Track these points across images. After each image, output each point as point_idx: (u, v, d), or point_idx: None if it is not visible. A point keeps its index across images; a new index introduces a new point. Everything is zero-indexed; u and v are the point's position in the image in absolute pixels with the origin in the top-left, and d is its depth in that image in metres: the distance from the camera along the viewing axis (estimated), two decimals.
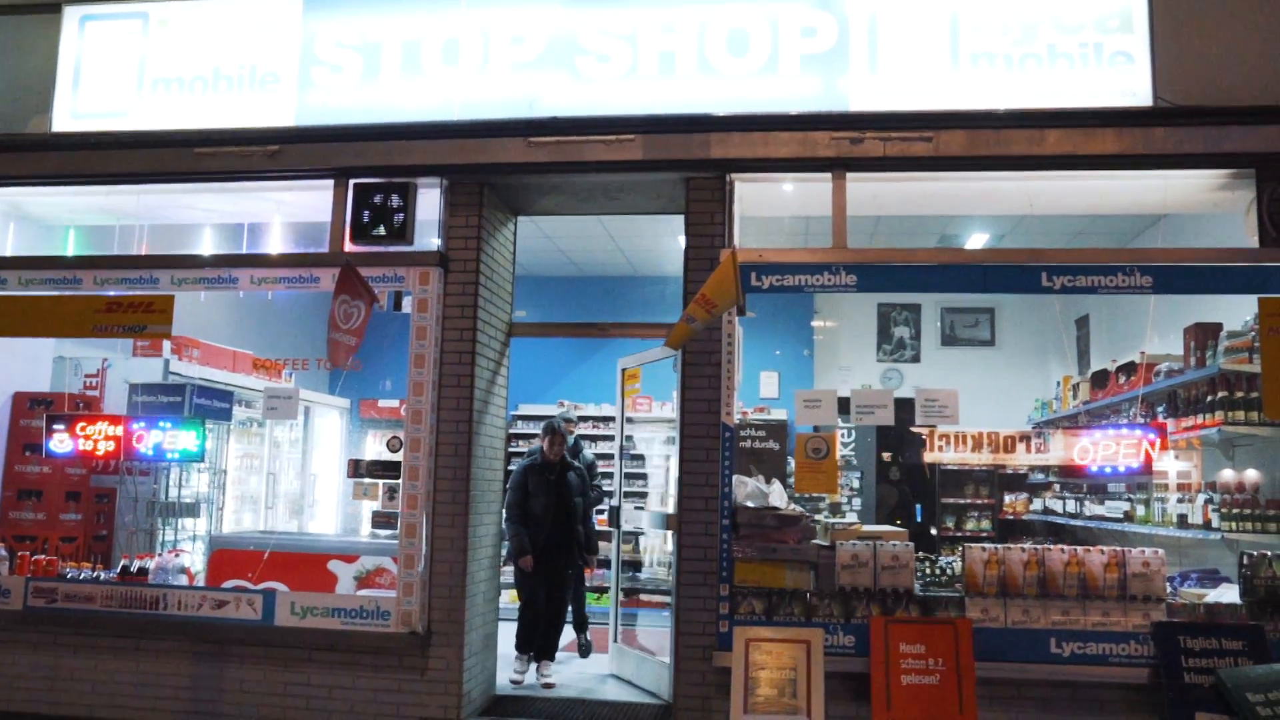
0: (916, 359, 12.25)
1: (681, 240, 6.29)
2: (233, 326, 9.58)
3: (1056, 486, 9.44)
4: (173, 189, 6.82)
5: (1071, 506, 8.75)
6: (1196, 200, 6.39)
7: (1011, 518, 10.48)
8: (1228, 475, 6.22)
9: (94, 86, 6.84)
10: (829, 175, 6.01)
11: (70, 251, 7.47)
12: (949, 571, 5.95)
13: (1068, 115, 5.79)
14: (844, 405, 5.95)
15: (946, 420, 5.77)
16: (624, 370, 7.77)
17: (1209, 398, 6.31)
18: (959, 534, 10.76)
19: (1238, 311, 6.25)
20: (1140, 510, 7.22)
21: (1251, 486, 6.06)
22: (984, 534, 10.78)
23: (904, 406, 5.97)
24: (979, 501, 11.07)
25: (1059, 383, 9.78)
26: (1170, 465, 7.07)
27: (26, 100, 6.98)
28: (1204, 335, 6.51)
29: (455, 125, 6.25)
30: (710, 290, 5.45)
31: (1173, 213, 7.00)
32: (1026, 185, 6.21)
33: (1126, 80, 5.85)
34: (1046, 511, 9.54)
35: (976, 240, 9.86)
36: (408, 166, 6.30)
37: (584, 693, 7.02)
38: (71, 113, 6.84)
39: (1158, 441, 5.61)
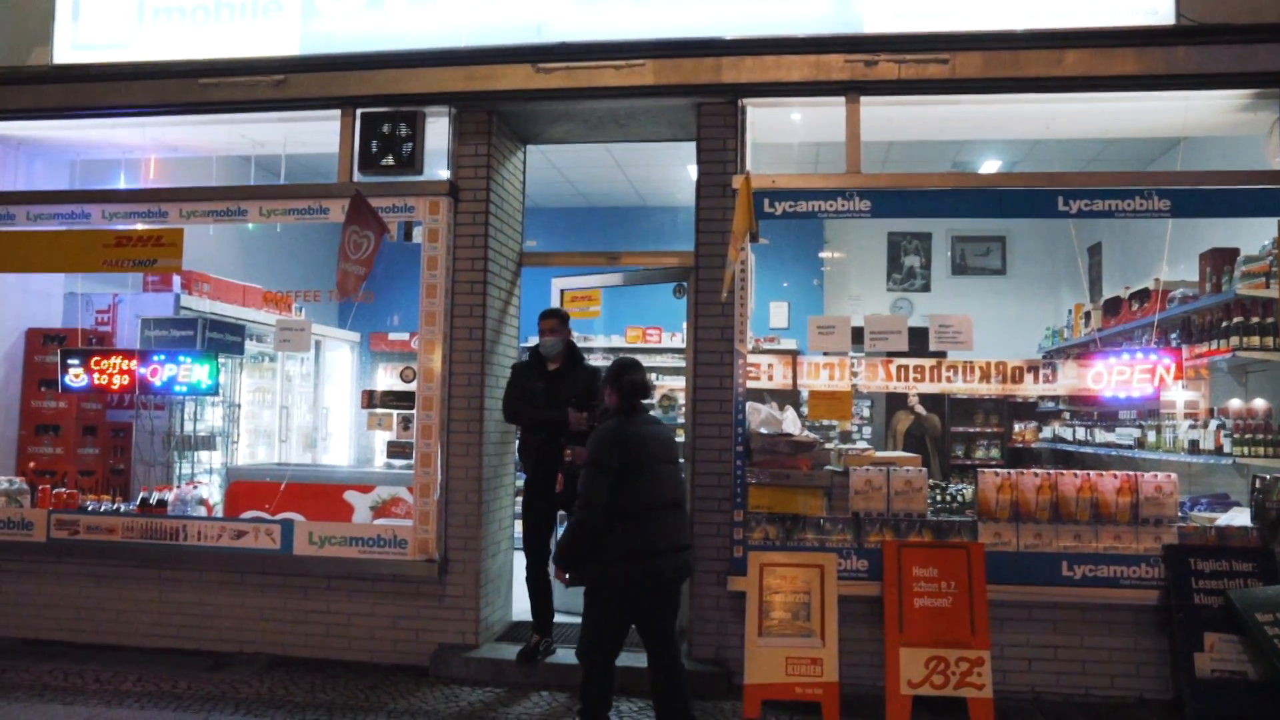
0: (927, 288, 12.23)
1: (690, 170, 6.23)
2: (242, 260, 9.57)
3: (1066, 414, 9.46)
4: (178, 120, 6.73)
5: (1081, 434, 8.77)
6: (1218, 122, 6.28)
7: (1020, 446, 10.54)
8: (1237, 403, 6.22)
9: (94, 17, 6.73)
10: (842, 99, 5.91)
11: (77, 186, 7.41)
12: (960, 498, 5.99)
13: (1087, 35, 5.67)
14: (856, 334, 5.94)
15: (960, 346, 5.77)
16: (563, 292, 7.44)
17: (1224, 323, 6.28)
18: (968, 462, 10.82)
19: (1255, 236, 6.18)
20: (1151, 436, 7.23)
21: (1264, 413, 6.06)
22: (993, 462, 10.84)
23: (916, 335, 5.95)
24: (988, 430, 11.12)
25: (1070, 310, 9.74)
26: (1179, 394, 7.05)
27: (26, 32, 6.88)
28: (1220, 261, 6.46)
29: (463, 52, 6.14)
30: (735, 225, 5.40)
31: (1192, 135, 6.89)
32: (1043, 108, 6.11)
33: None
34: (1056, 439, 9.58)
35: (989, 166, 9.74)
36: (416, 95, 6.21)
37: None
38: (72, 44, 6.74)
39: (1173, 366, 5.59)
